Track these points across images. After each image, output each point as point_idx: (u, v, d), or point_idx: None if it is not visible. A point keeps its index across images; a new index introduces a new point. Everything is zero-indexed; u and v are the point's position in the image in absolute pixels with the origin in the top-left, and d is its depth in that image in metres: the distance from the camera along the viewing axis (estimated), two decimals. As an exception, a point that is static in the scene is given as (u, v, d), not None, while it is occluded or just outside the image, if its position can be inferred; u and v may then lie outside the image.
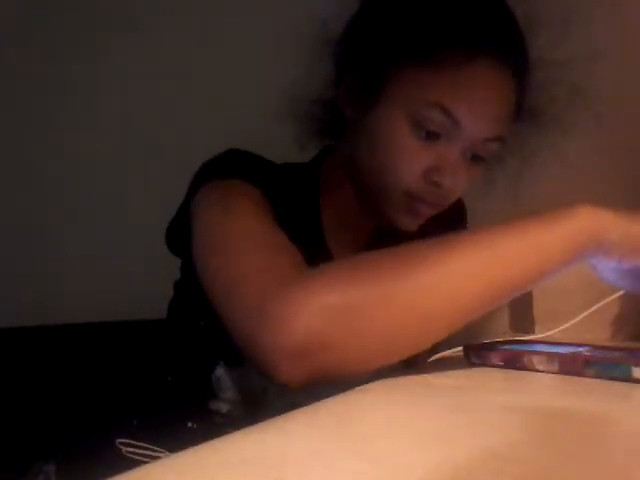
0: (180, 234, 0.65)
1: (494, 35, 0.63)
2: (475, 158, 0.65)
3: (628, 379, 0.44)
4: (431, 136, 0.62)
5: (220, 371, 0.67)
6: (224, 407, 0.67)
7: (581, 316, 0.66)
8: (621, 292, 0.67)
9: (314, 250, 0.69)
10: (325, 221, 0.72)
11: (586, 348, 0.53)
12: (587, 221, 0.48)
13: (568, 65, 0.65)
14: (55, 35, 1.31)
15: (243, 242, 0.53)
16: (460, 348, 0.57)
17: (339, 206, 0.73)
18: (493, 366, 0.52)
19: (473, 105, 0.62)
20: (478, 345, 0.56)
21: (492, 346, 0.55)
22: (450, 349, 0.62)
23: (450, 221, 0.80)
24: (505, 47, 0.63)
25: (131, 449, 0.62)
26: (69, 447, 0.73)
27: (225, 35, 1.22)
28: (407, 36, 0.63)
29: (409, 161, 0.63)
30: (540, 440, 0.30)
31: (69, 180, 1.30)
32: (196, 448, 0.28)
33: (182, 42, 1.25)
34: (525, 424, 0.33)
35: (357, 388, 0.43)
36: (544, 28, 0.65)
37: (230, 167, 0.65)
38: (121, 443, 0.63)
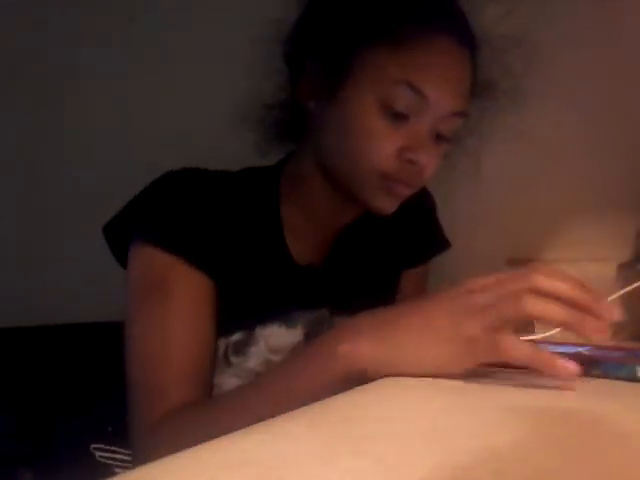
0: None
1: (447, 13, 0.65)
2: (439, 138, 0.66)
3: (633, 379, 0.44)
4: (400, 116, 0.62)
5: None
6: None
7: (581, 316, 0.65)
8: (621, 292, 0.67)
9: (274, 254, 0.69)
10: (286, 224, 0.71)
11: (587, 348, 0.53)
12: (343, 361, 0.49)
13: (518, 37, 0.66)
14: (55, 34, 1.31)
15: (153, 349, 0.61)
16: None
17: (302, 208, 0.72)
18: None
19: (439, 79, 0.62)
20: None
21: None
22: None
23: (420, 213, 0.84)
24: (458, 24, 0.65)
25: (105, 454, 0.64)
26: (48, 454, 0.73)
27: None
28: (367, 17, 0.64)
29: (382, 142, 0.63)
30: (540, 440, 0.30)
31: (69, 180, 1.29)
32: (196, 448, 0.28)
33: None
34: (525, 424, 0.33)
35: (357, 388, 0.43)
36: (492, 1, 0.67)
37: (175, 233, 0.63)
38: (95, 448, 0.65)
